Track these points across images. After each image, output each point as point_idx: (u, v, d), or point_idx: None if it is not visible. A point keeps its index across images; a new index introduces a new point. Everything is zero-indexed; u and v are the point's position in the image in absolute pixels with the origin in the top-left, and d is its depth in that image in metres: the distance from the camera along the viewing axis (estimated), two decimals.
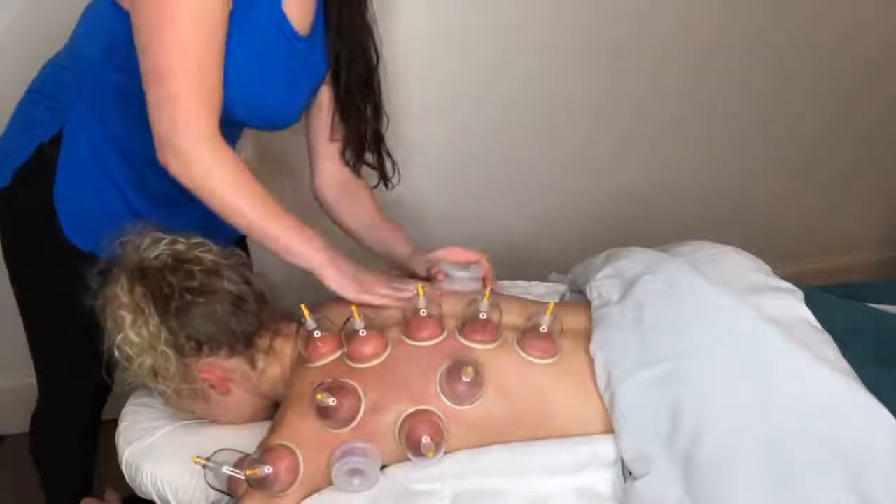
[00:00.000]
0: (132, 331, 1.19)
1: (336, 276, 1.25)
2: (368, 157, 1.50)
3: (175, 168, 1.17)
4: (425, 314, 1.22)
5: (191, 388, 1.25)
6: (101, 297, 1.21)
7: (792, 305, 1.26)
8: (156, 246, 1.22)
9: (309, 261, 1.24)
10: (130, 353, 1.20)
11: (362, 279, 1.27)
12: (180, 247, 1.23)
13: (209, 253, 1.25)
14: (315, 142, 1.51)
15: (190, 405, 1.31)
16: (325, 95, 1.47)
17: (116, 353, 1.21)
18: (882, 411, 1.09)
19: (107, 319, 1.21)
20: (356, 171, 1.52)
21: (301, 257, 1.24)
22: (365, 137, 1.48)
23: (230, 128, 1.30)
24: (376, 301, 1.26)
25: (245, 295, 1.24)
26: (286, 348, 1.30)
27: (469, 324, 1.23)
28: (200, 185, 1.18)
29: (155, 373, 1.22)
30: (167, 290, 1.19)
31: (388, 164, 1.52)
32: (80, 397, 1.53)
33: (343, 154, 1.49)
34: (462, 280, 1.37)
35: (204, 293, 1.20)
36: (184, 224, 1.29)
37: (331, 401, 1.13)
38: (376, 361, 1.21)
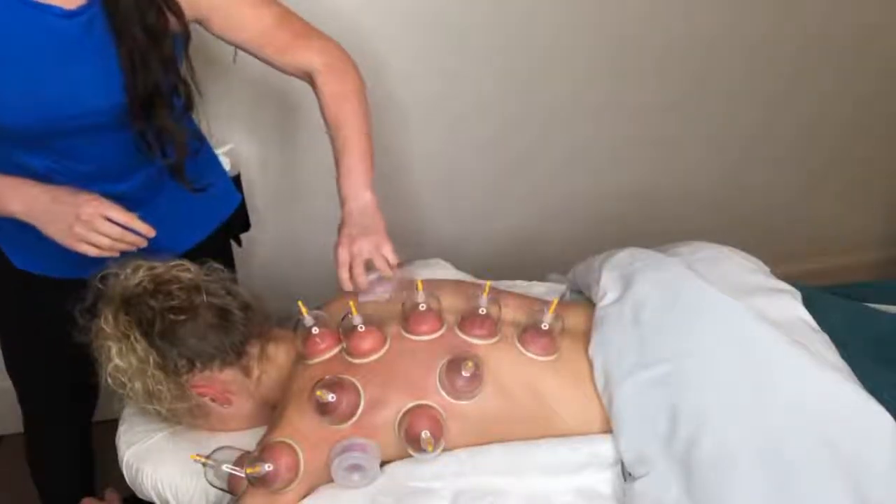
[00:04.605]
0: (119, 359, 1.20)
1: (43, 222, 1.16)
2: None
3: None
4: (424, 308, 1.23)
5: (187, 406, 1.25)
6: (90, 333, 1.22)
7: (790, 306, 1.27)
8: (136, 273, 1.23)
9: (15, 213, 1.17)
10: (122, 380, 1.21)
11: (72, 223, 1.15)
12: (159, 269, 1.24)
13: (187, 272, 1.25)
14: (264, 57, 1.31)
15: (190, 422, 1.31)
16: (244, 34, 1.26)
17: (110, 383, 1.22)
18: (881, 412, 1.09)
19: (98, 353, 1.22)
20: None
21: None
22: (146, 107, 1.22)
23: (68, 139, 1.20)
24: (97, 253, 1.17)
25: (229, 306, 1.24)
26: (280, 352, 1.30)
27: (468, 319, 1.24)
28: None
29: (149, 395, 1.22)
30: (150, 314, 1.19)
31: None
32: (54, 411, 1.54)
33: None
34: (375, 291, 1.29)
35: (185, 311, 1.21)
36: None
37: (330, 397, 1.13)
38: (375, 356, 1.21)
